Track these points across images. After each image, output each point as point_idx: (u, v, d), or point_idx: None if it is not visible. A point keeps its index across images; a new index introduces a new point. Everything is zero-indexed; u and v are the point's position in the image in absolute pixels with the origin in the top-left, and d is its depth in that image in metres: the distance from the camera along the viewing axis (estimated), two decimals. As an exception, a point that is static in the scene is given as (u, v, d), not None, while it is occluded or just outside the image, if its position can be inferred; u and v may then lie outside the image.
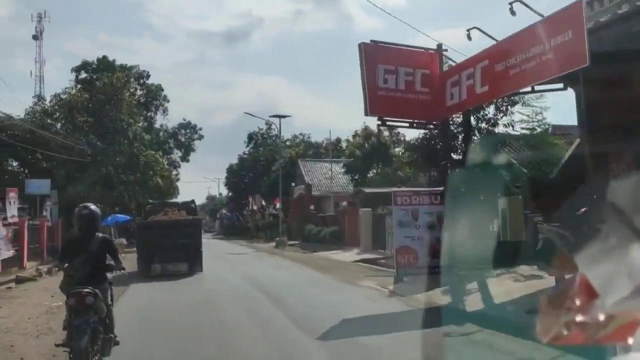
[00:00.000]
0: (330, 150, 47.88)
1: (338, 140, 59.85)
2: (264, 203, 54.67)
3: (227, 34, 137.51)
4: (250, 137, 71.66)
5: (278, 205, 49.15)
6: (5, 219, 21.76)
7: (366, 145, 38.39)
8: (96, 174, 31.79)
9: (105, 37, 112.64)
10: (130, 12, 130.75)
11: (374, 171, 37.80)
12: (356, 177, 38.87)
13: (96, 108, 34.11)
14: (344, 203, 35.17)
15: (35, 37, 44.21)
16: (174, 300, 13.29)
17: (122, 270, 6.82)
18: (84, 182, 30.81)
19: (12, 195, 22.66)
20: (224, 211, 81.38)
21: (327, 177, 47.50)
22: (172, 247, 18.35)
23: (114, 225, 30.72)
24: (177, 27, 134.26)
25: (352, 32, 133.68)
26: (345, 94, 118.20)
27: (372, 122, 27.04)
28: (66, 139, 30.53)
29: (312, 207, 40.92)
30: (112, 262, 6.62)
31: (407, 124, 14.39)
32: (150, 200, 26.57)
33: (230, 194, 77.66)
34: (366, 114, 12.96)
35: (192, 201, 23.13)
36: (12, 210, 22.59)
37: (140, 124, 38.95)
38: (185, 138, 52.15)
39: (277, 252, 32.26)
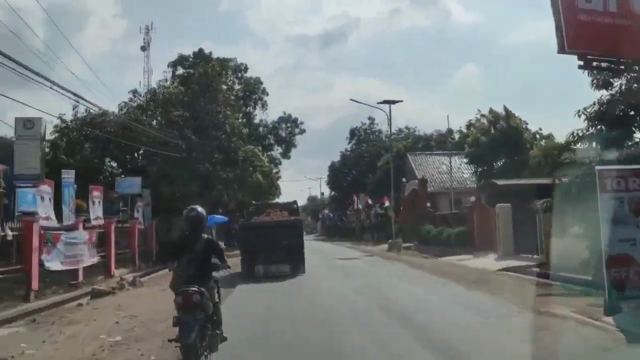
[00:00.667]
0: (448, 139, 42.66)
1: (449, 131, 54.51)
2: (370, 201, 50.48)
3: (324, 37, 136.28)
4: (353, 133, 67.92)
5: (387, 204, 44.77)
6: (87, 220, 19.10)
7: (492, 130, 32.98)
8: (192, 171, 29.05)
9: (209, 44, 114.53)
10: (231, 20, 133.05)
11: (503, 161, 32.29)
12: (481, 169, 33.59)
13: (191, 101, 31.55)
14: (472, 198, 30.06)
15: (143, 49, 44.10)
16: (282, 307, 12.03)
17: (227, 269, 7.24)
18: (179, 180, 28.11)
19: (96, 194, 20.02)
20: (326, 211, 78.30)
21: (439, 171, 42.55)
22: (275, 248, 18.18)
23: (214, 226, 27.78)
24: (276, 32, 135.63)
25: (450, 27, 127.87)
26: (445, 92, 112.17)
27: (498, 105, 21.93)
28: (160, 133, 28.02)
29: (428, 204, 36.08)
30: (218, 262, 6.77)
31: (623, 65, 9.44)
32: (253, 202, 26.62)
33: (332, 193, 74.48)
34: (561, 50, 8.55)
35: (294, 202, 22.93)
36: (97, 211, 19.96)
37: (239, 120, 36.08)
38: (286, 133, 48.86)
39: (392, 256, 27.86)
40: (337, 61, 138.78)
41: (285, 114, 48.83)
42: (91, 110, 28.05)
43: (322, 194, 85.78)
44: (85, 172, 26.19)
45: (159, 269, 24.65)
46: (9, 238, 13.50)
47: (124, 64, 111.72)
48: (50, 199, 16.03)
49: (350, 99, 47.61)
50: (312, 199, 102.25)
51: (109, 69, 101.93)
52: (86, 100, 22.54)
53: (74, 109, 27.59)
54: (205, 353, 6.41)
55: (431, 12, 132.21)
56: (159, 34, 65.54)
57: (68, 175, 17.55)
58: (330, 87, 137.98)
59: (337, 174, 66.99)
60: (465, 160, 37.82)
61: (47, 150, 27.68)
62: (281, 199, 44.45)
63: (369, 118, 67.82)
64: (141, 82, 43.53)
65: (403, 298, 12.50)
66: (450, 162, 37.59)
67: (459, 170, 39.74)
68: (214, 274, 6.86)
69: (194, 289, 6.19)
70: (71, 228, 17.51)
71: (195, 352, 6.04)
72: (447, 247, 26.74)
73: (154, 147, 28.03)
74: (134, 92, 32.37)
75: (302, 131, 50.43)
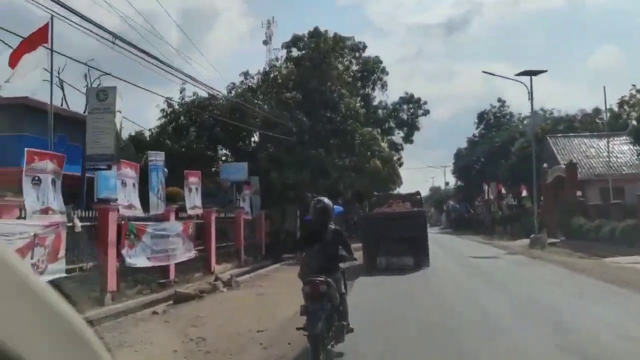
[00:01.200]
0: (606, 118, 36.31)
1: (596, 111, 47.42)
2: (504, 191, 45.02)
3: (446, 24, 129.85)
4: (481, 117, 62.06)
5: (524, 193, 39.32)
6: (182, 210, 16.80)
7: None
8: (304, 157, 26.24)
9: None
10: (352, 11, 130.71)
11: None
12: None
13: (304, 81, 28.78)
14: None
15: (265, 43, 42.43)
16: (411, 311, 10.37)
17: (353, 261, 7.60)
18: (290, 167, 25.41)
19: (193, 180, 17.64)
20: (451, 202, 73.04)
21: (587, 155, 36.41)
22: (397, 240, 17.61)
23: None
24: (396, 22, 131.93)
25: (584, 7, 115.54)
26: (581, 75, 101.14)
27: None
28: (269, 115, 25.49)
29: (579, 193, 30.48)
30: (344, 253, 6.96)
31: None
32: (375, 192, 25.92)
33: (458, 183, 69.11)
34: None
35: (418, 192, 22.27)
36: (195, 199, 17.58)
37: (358, 103, 32.73)
38: (407, 115, 44.56)
39: (538, 254, 23.03)
40: (460, 48, 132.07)
41: (407, 94, 44.52)
42: (199, 94, 26.28)
43: (447, 183, 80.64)
44: (191, 158, 24.34)
45: (268, 264, 22.16)
46: (77, 230, 11.22)
47: (249, 59, 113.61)
48: (134, 184, 13.77)
49: (483, 72, 42.04)
50: (435, 190, 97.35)
51: (235, 66, 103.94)
52: (196, 80, 20.52)
53: (180, 92, 25.86)
54: (332, 343, 6.54)
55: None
56: (280, 27, 63.93)
57: (156, 158, 15.21)
58: (452, 75, 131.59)
59: (464, 162, 61.60)
60: (623, 140, 31.78)
61: (152, 134, 26.25)
62: (402, 190, 40.94)
63: (499, 100, 61.74)
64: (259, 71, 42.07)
65: (593, 327, 8.25)
66: (608, 144, 31.57)
67: (611, 154, 33.55)
68: (341, 265, 6.95)
69: (321, 279, 6.29)
70: (160, 218, 15.23)
71: (322, 341, 6.11)
72: (608, 245, 21.67)
73: (263, 131, 25.59)
74: (246, 74, 30.13)
75: (426, 112, 45.43)
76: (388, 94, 43.79)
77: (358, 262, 14.10)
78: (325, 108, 28.33)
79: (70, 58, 19.90)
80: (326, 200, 7.14)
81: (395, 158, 41.73)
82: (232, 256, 20.73)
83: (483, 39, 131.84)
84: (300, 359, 6.83)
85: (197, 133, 25.73)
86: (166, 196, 18.22)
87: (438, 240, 34.43)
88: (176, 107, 26.29)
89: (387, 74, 41.03)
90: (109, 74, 19.00)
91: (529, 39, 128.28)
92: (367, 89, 40.78)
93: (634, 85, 31.72)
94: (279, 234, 25.89)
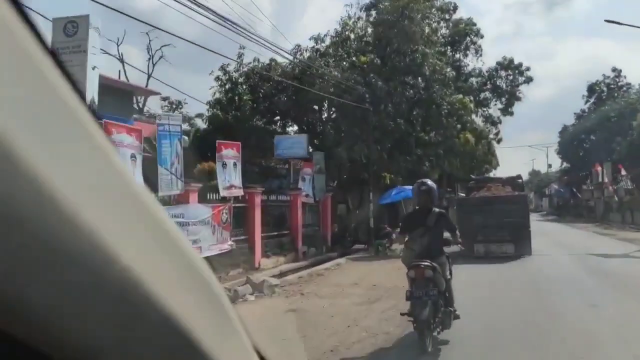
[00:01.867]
0: None
1: None
2: (623, 172, 38.36)
3: (547, 0, 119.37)
4: (591, 89, 54.22)
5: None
6: (214, 190, 13.25)
7: None
8: (380, 130, 21.97)
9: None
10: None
11: None
12: None
13: (382, 43, 24.40)
14: None
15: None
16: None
17: (458, 245, 8.30)
18: (362, 141, 21.27)
19: (230, 153, 13.98)
20: (555, 186, 65.68)
21: None
22: (496, 225, 16.66)
23: (403, 200, 20.63)
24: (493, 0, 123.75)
25: None
26: None
27: None
28: (339, 81, 21.38)
29: None
30: (450, 237, 7.02)
31: None
32: (472, 176, 24.03)
33: (563, 165, 61.66)
34: None
35: (519, 176, 21.04)
36: (232, 175, 13.96)
37: (446, 67, 27.76)
38: (506, 83, 38.50)
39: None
40: (562, 25, 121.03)
41: (504, 59, 38.25)
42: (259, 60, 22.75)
43: (550, 166, 72.89)
44: (248, 131, 20.88)
45: (334, 257, 18.37)
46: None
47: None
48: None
49: (606, 20, 35.52)
50: (534, 174, 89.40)
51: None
52: (270, 45, 17.01)
53: (238, 58, 22.30)
54: (438, 329, 6.39)
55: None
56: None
57: (170, 122, 11.62)
58: (554, 54, 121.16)
59: (571, 140, 54.32)
60: None
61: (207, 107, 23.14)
62: (499, 173, 35.56)
63: (613, 70, 53.64)
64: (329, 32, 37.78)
65: None
66: None
67: None
68: (445, 249, 6.87)
69: (426, 263, 6.24)
70: (178, 200, 11.78)
71: (428, 327, 6.05)
72: None
73: (330, 99, 21.61)
74: (317, 38, 25.97)
75: (529, 80, 38.80)
76: (483, 61, 38.16)
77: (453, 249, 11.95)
78: (407, 74, 23.77)
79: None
80: (430, 182, 7.14)
81: (492, 134, 36.23)
82: (287, 247, 17.10)
83: (586, 14, 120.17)
84: (407, 346, 6.54)
85: (254, 103, 22.08)
86: (203, 174, 14.89)
87: (544, 229, 29.14)
88: (233, 73, 22.82)
89: (482, 37, 35.44)
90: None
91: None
92: (458, 54, 35.48)
93: None
94: (349, 222, 22.03)
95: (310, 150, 20.82)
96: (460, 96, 25.70)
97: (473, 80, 36.54)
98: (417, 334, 5.99)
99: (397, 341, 6.87)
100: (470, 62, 36.71)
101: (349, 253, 19.46)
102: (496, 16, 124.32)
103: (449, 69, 28.79)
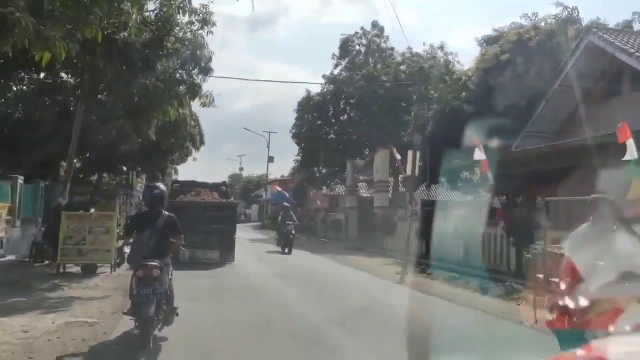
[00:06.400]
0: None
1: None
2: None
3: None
4: (344, 47, 39.74)
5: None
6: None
7: None
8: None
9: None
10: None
11: None
12: None
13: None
14: None
15: None
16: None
17: (181, 247, 7.96)
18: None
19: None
20: (277, 188, 44.75)
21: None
22: (204, 232, 16.53)
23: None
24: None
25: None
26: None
27: None
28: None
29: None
30: (174, 239, 7.16)
31: None
32: (178, 179, 24.43)
33: (300, 154, 41.05)
34: None
35: (224, 182, 22.21)
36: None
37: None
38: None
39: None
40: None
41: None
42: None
43: (271, 168, 58.27)
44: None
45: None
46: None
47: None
48: None
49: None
50: (235, 177, 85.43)
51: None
52: None
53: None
54: (159, 326, 6.73)
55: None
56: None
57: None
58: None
59: (308, 118, 38.87)
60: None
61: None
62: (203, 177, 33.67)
63: (373, 23, 41.01)
64: None
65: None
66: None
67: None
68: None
69: (154, 263, 6.57)
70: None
71: (152, 324, 6.45)
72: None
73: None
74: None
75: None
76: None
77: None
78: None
79: None
80: (162, 186, 7.71)
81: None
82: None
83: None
84: (127, 346, 6.64)
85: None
86: None
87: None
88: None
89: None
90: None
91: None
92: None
93: None
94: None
95: None
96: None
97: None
98: (141, 332, 6.38)
99: (121, 343, 6.96)
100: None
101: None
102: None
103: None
